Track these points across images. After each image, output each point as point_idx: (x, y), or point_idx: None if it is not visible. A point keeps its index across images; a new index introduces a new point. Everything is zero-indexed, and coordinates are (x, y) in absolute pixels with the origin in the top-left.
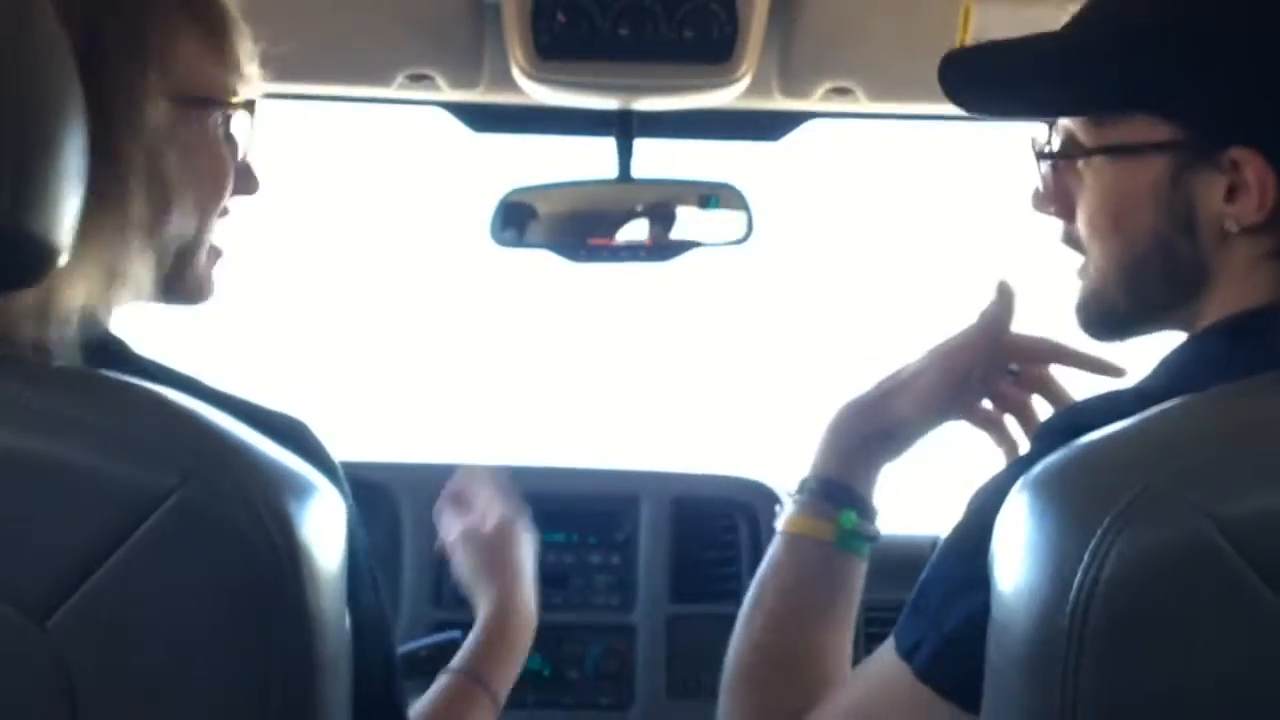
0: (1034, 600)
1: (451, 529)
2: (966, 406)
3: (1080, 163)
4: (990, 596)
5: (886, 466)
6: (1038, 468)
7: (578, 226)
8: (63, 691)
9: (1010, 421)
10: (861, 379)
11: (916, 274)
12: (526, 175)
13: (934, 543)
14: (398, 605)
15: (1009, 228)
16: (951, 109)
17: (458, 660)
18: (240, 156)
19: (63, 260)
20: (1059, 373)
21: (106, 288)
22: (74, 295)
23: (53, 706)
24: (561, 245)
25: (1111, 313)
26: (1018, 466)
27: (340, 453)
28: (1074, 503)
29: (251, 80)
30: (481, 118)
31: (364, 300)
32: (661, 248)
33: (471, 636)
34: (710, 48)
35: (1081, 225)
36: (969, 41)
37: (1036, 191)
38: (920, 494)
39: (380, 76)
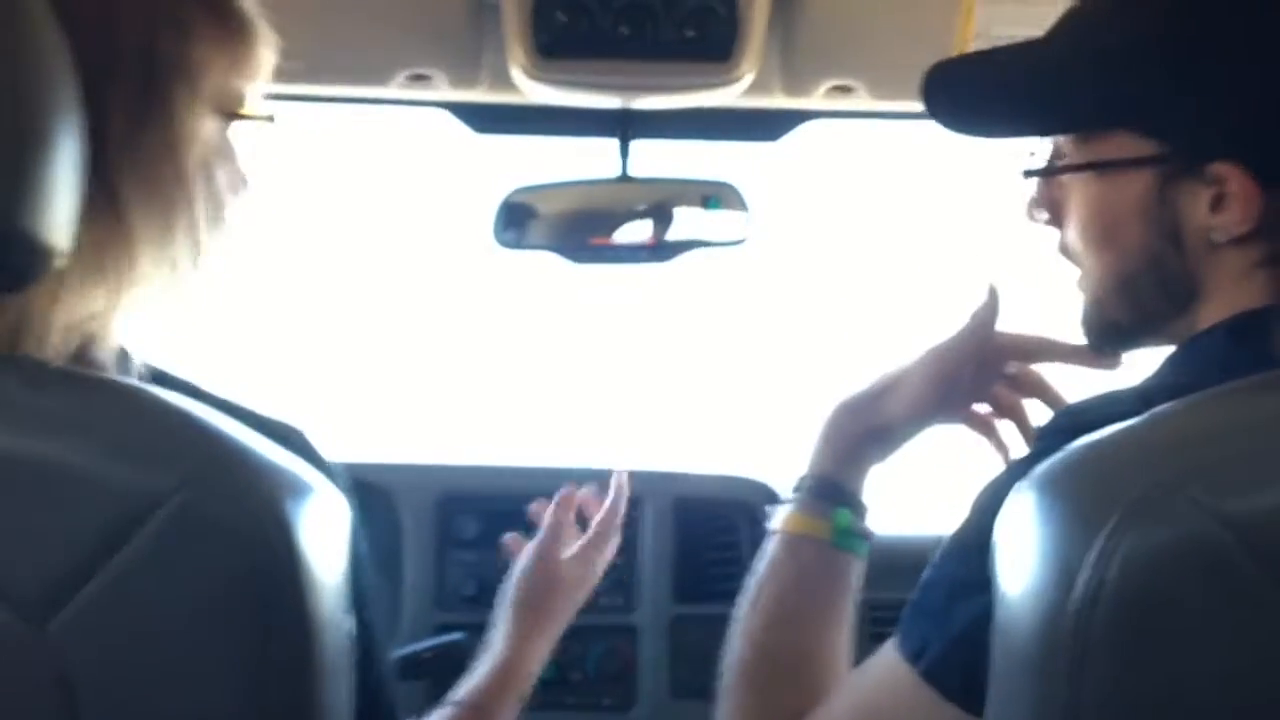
0: (1038, 600)
1: (539, 539)
2: (958, 409)
3: (1067, 176)
4: (993, 597)
5: (877, 466)
6: (1041, 467)
7: (579, 227)
8: (62, 695)
9: (1005, 425)
10: (854, 379)
11: (916, 274)
12: (527, 175)
13: (937, 542)
14: (399, 607)
15: (1009, 227)
16: None
17: (465, 693)
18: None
19: (59, 262)
20: (1054, 376)
21: (126, 292)
22: (87, 302)
23: (52, 710)
24: (563, 246)
25: (1114, 325)
26: (1021, 467)
27: (340, 454)
28: (1078, 502)
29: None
30: (482, 118)
31: (365, 301)
32: (662, 248)
33: (479, 671)
34: (711, 46)
35: (1073, 237)
36: (971, 39)
37: (1029, 202)
38: (923, 493)
39: (380, 77)
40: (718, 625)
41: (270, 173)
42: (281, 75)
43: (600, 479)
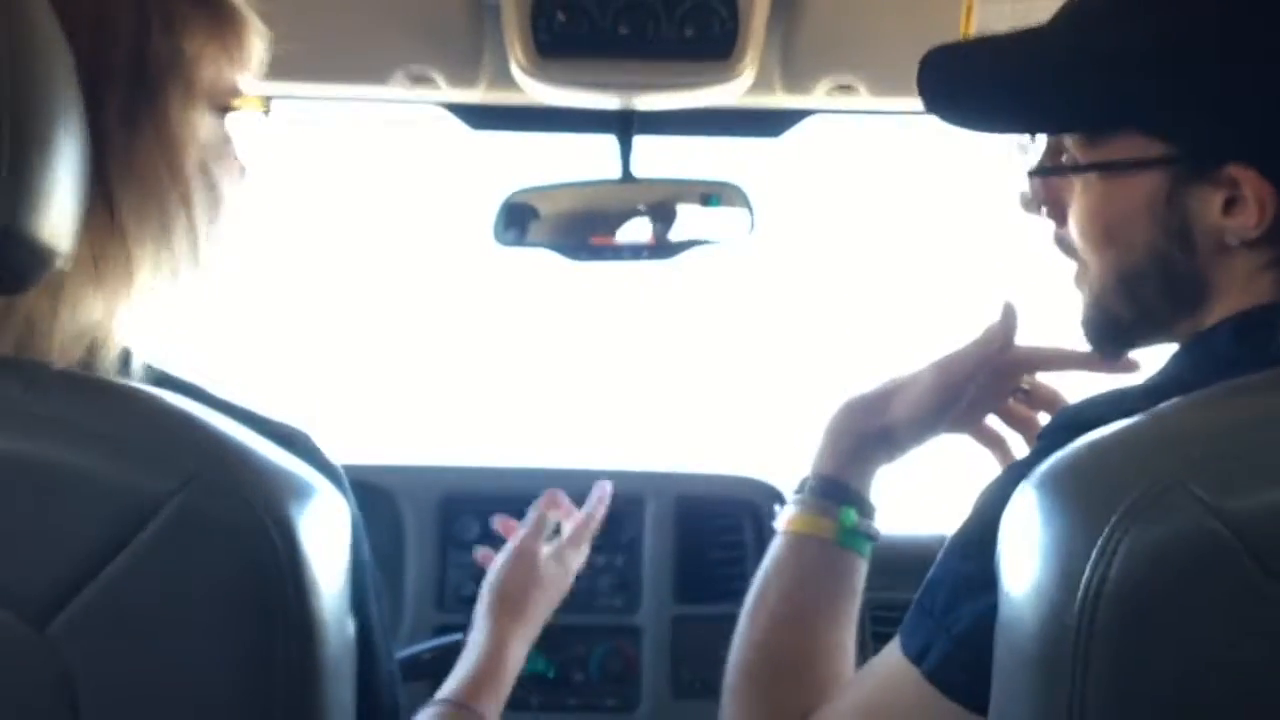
0: (1042, 598)
1: (521, 533)
2: (965, 420)
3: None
4: (997, 596)
5: (883, 467)
6: (1044, 465)
7: (580, 226)
8: (64, 697)
9: (1017, 440)
10: (862, 378)
11: (918, 271)
12: (528, 175)
13: (941, 542)
14: (400, 608)
15: (1009, 226)
16: None
17: (450, 690)
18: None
19: (60, 264)
20: (1070, 388)
21: (125, 296)
22: (89, 303)
23: (53, 711)
24: (564, 245)
25: (1116, 323)
26: (1023, 465)
27: (342, 455)
28: (1081, 500)
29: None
30: (482, 117)
31: (366, 301)
32: (663, 246)
33: (463, 669)
34: (712, 45)
35: (1075, 234)
36: (972, 37)
37: (1024, 195)
38: (926, 493)
39: (379, 76)
40: (721, 625)
41: (270, 173)
42: (281, 74)
43: (600, 480)
